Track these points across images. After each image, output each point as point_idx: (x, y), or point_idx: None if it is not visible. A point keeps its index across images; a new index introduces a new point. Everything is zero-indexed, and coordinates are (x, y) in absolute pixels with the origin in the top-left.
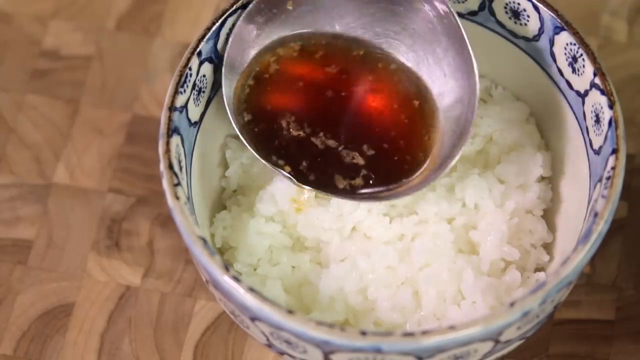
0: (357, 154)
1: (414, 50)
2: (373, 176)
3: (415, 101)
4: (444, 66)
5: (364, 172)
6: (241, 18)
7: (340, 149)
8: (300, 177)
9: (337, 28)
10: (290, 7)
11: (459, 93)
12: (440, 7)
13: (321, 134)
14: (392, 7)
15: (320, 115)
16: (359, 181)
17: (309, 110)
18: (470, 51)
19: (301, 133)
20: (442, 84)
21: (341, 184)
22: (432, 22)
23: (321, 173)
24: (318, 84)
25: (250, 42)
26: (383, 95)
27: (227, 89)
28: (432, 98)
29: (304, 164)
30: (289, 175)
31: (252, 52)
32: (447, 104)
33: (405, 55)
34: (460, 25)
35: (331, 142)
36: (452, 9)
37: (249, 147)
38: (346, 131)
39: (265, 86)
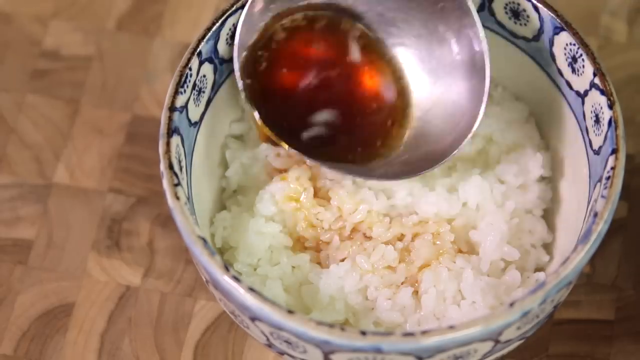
0: (342, 127)
1: (414, 39)
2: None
3: (393, 91)
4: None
5: (348, 143)
6: None
7: (331, 122)
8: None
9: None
10: None
11: (459, 85)
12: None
13: (314, 108)
14: None
15: (314, 91)
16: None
17: (305, 85)
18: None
19: (297, 106)
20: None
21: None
22: (443, 14)
23: (317, 145)
24: (313, 61)
25: (260, 13)
26: (368, 78)
27: (238, 62)
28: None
29: (303, 135)
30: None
31: (260, 24)
32: (439, 96)
33: (402, 42)
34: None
35: (322, 116)
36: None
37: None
38: (336, 106)
39: (269, 59)
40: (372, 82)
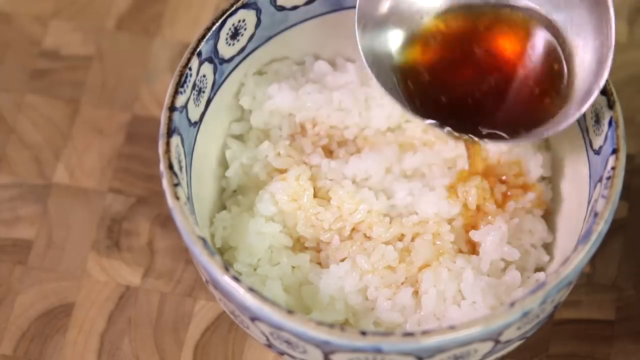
0: (495, 100)
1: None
2: (511, 120)
3: (546, 50)
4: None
5: (502, 117)
6: None
7: (479, 96)
8: (441, 122)
9: None
10: None
11: (593, 38)
12: None
13: (459, 84)
14: None
15: (457, 67)
16: (496, 124)
17: (447, 63)
18: None
19: (441, 85)
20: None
21: (482, 128)
22: None
23: (463, 120)
24: (454, 39)
25: None
26: (516, 46)
27: (363, 41)
28: (563, 47)
29: (445, 111)
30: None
31: (386, 7)
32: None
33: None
34: None
35: (470, 92)
36: None
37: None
38: (484, 81)
39: (406, 41)
40: (513, 49)
